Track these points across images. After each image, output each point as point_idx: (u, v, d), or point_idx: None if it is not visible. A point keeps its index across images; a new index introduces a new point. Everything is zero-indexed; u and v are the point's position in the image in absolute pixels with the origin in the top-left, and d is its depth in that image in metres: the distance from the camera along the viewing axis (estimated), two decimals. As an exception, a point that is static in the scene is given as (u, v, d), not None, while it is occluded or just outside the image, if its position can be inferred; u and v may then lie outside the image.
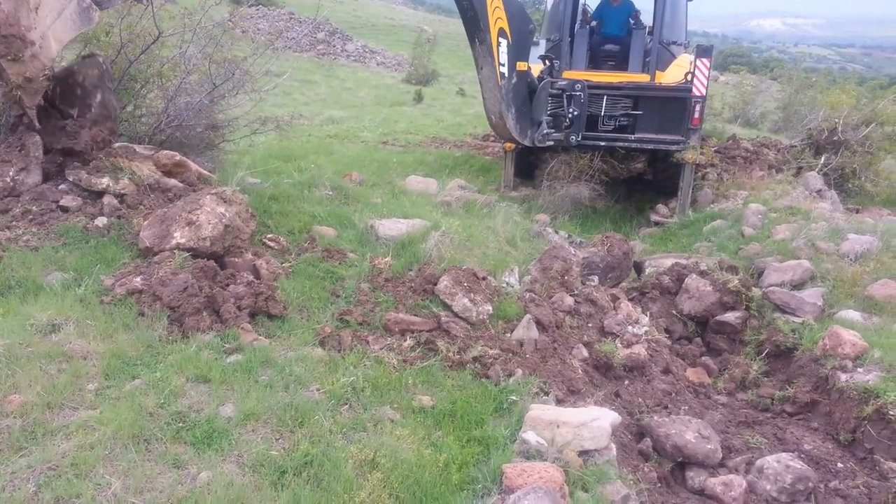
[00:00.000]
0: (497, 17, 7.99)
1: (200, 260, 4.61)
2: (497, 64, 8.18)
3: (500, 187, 10.52)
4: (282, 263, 5.26)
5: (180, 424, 3.27)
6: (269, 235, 5.62)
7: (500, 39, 8.13)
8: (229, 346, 4.03)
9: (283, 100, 17.13)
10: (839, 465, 4.57)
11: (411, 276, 5.38)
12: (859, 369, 5.00)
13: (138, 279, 4.39)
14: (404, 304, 5.03)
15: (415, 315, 4.92)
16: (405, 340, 4.63)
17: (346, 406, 3.78)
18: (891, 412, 4.52)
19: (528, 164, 10.83)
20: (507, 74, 8.40)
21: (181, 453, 3.09)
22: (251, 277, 4.82)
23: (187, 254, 4.62)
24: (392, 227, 6.12)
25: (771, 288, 6.26)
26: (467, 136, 15.12)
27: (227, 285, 4.56)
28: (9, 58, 4.76)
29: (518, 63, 8.65)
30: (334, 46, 30.67)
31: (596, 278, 6.80)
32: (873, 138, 10.62)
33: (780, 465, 4.30)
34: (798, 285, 6.31)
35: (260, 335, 4.31)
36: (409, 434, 3.61)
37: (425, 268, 5.43)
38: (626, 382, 5.23)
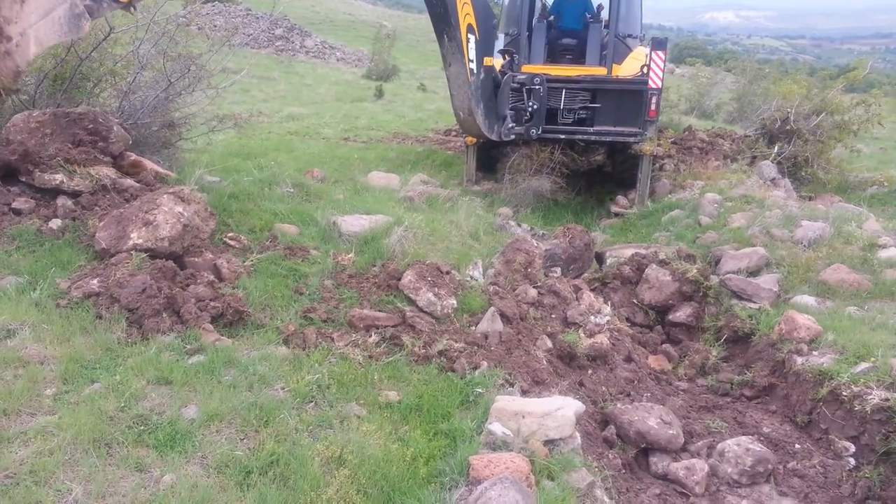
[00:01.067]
0: (466, 12, 8.01)
1: (159, 260, 4.53)
2: (467, 60, 8.21)
3: (463, 181, 10.55)
4: (243, 262, 5.20)
5: (142, 427, 3.22)
6: (230, 234, 5.55)
7: (469, 35, 8.14)
8: (191, 347, 3.98)
9: (241, 97, 16.90)
10: (797, 445, 4.71)
11: (375, 272, 5.38)
12: (814, 352, 5.16)
13: (95, 282, 4.30)
14: (369, 300, 5.02)
15: (379, 311, 4.91)
16: (370, 336, 4.63)
17: (312, 404, 3.76)
18: (844, 393, 4.67)
19: (490, 158, 10.88)
20: (475, 70, 8.43)
21: (143, 456, 3.05)
22: (212, 277, 4.75)
23: (145, 254, 4.53)
24: (355, 223, 6.10)
25: (728, 275, 6.41)
26: (429, 132, 15.11)
27: (188, 286, 4.49)
28: None
29: (485, 58, 8.70)
30: (293, 42, 30.35)
31: (559, 270, 6.88)
32: (824, 127, 10.92)
33: (740, 448, 4.41)
34: (754, 272, 6.47)
35: (222, 335, 4.27)
36: (375, 430, 3.61)
37: (389, 263, 5.42)
38: (590, 371, 5.31)
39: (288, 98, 18.96)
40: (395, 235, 5.80)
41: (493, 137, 9.33)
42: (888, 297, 5.84)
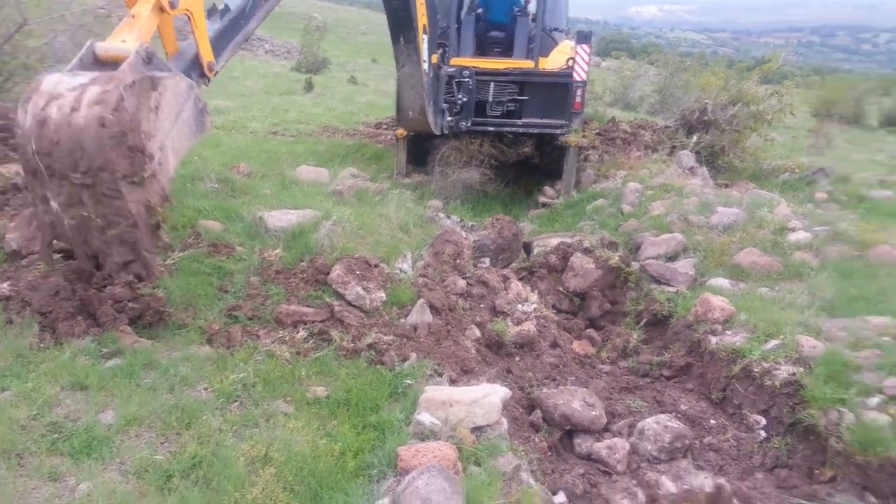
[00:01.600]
0: (421, 13, 8.00)
1: (74, 261, 4.38)
2: (422, 60, 8.21)
3: (393, 174, 10.55)
4: (164, 261, 5.08)
5: (56, 435, 3.13)
6: (151, 233, 5.40)
7: (424, 36, 8.15)
8: (108, 351, 3.87)
9: (164, 91, 16.35)
10: (712, 421, 4.94)
11: (303, 267, 5.34)
12: (728, 332, 5.41)
13: (5, 285, 4.13)
14: (296, 296, 4.99)
15: (307, 306, 4.89)
16: (298, 332, 4.60)
17: (237, 403, 3.72)
18: (755, 369, 4.92)
19: (420, 151, 10.91)
20: (428, 70, 8.45)
21: (58, 465, 2.96)
22: (131, 277, 4.62)
23: (59, 256, 4.37)
24: (282, 218, 6.03)
25: (648, 261, 6.64)
26: (359, 125, 15.02)
27: (105, 287, 4.36)
28: (132, 180, 3.81)
29: (433, 55, 8.73)
30: (218, 34, 29.51)
31: (487, 260, 6.98)
32: (740, 117, 11.39)
33: (659, 426, 4.60)
34: (672, 257, 6.73)
35: (142, 337, 4.17)
36: (303, 426, 3.61)
37: (317, 258, 5.39)
38: (518, 358, 5.42)
39: (214, 91, 18.32)
40: (323, 230, 5.77)
41: (437, 132, 9.39)
42: (796, 278, 6.17)
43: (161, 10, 4.20)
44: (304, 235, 5.70)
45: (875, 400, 4.39)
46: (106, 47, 3.95)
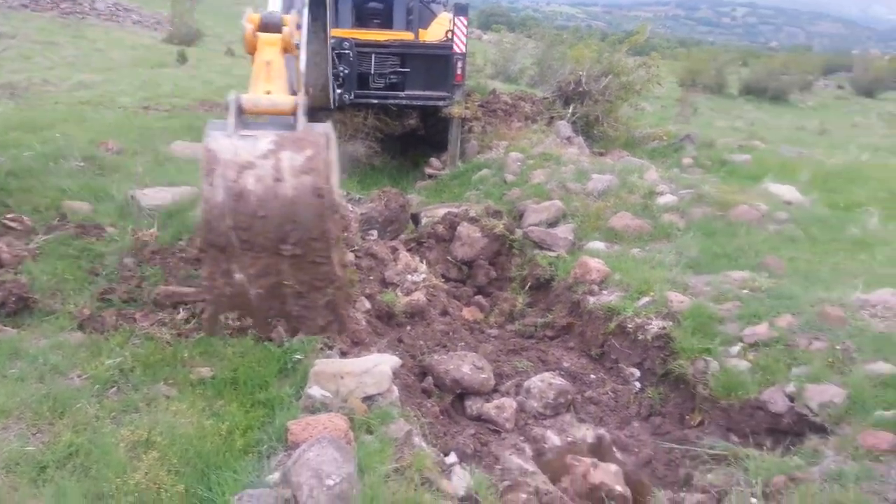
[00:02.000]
0: None
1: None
2: (328, 38, 7.95)
3: (276, 149, 10.26)
4: (27, 245, 4.75)
5: (-89, 435, 2.89)
6: (10, 215, 5.04)
7: (328, 13, 7.90)
8: (-34, 342, 3.60)
9: (22, 65, 15.05)
10: (592, 376, 5.23)
11: (182, 246, 5.14)
12: (604, 291, 5.72)
13: None
14: (175, 276, 4.80)
15: (188, 286, 4.71)
16: (178, 313, 4.43)
17: (114, 389, 3.56)
18: (629, 325, 5.24)
19: (302, 125, 10.66)
20: (331, 46, 8.22)
21: (-86, 466, 2.74)
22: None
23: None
24: (156, 196, 5.76)
25: (530, 227, 6.88)
26: (238, 98, 14.43)
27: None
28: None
29: (332, 30, 8.49)
30: (81, 4, 27.32)
31: (375, 232, 6.99)
32: (611, 88, 11.87)
33: (543, 384, 4.82)
34: (552, 223, 7.01)
35: (5, 326, 3.89)
36: (187, 408, 3.50)
37: (196, 236, 5.19)
38: (408, 328, 5.49)
39: (77, 65, 17.15)
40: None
41: (332, 106, 9.21)
42: (665, 238, 6.59)
43: (285, 51, 3.94)
44: (181, 213, 5.48)
45: (736, 348, 4.80)
46: (254, 101, 3.61)
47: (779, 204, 7.41)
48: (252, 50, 3.93)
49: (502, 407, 4.67)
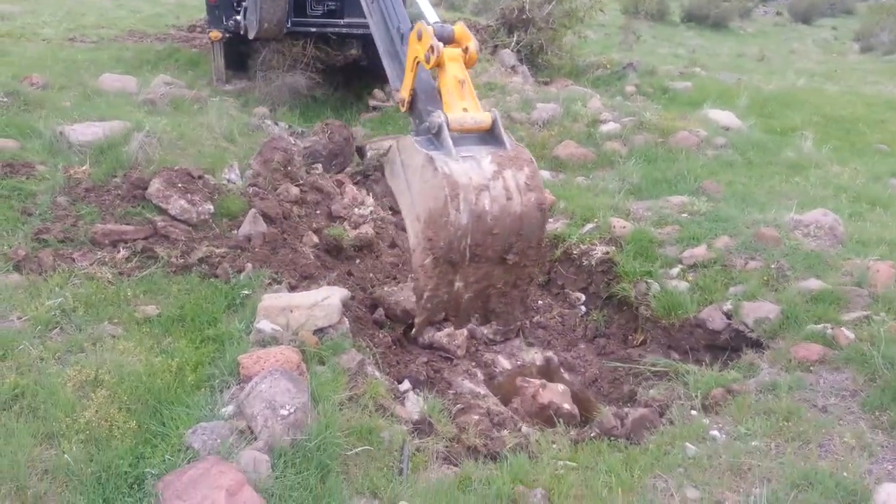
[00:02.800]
0: None
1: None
2: None
3: (212, 81, 9.85)
4: (-51, 186, 4.51)
5: None
6: (-73, 155, 4.75)
7: None
8: None
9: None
10: (539, 302, 5.35)
11: (117, 183, 4.96)
12: (551, 219, 5.78)
13: None
14: (112, 214, 4.65)
15: (126, 224, 4.58)
16: (118, 252, 4.32)
17: (57, 330, 3.48)
18: (574, 251, 5.36)
19: (239, 56, 10.21)
20: None
21: None
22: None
23: None
24: (86, 131, 5.51)
25: (477, 158, 6.85)
26: (170, 28, 13.75)
27: None
28: None
29: None
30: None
31: (320, 166, 6.86)
32: (555, 15, 11.72)
33: (492, 311, 4.90)
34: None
35: (-67, 273, 3.73)
36: (134, 346, 3.46)
37: (132, 172, 5.02)
38: (358, 261, 5.48)
39: (-12, -7, 15.97)
40: (135, 142, 5.35)
41: (280, 36, 8.87)
42: (608, 166, 6.68)
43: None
44: (113, 149, 5.27)
45: (676, 270, 4.97)
46: (459, 121, 3.77)
47: (718, 129, 7.56)
48: (437, 64, 3.95)
49: (453, 335, 4.73)
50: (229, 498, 2.43)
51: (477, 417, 3.87)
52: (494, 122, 3.88)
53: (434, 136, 3.71)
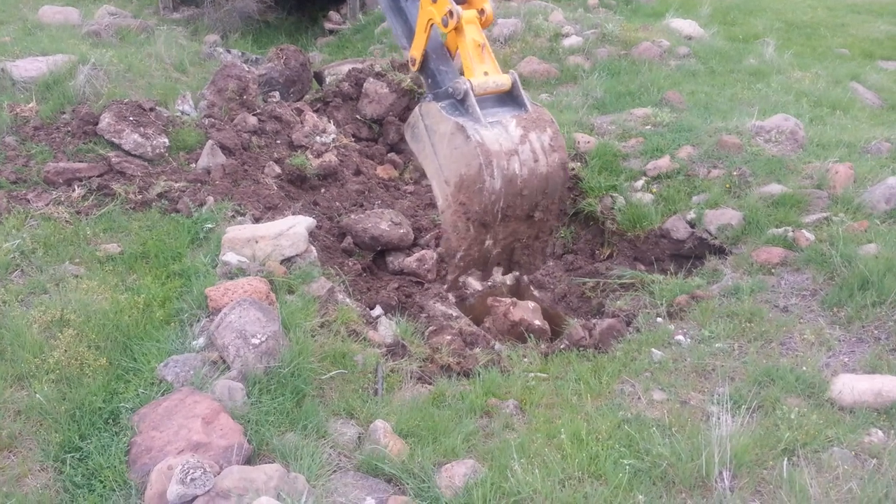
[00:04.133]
0: None
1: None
2: None
3: (159, 10, 9.43)
4: None
5: None
6: None
7: None
8: None
9: None
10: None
11: (66, 120, 4.77)
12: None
13: None
14: (64, 152, 4.49)
15: (79, 161, 4.43)
16: (74, 190, 4.20)
17: (17, 272, 3.41)
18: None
19: (184, -19, 9.77)
20: None
21: None
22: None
23: None
24: (29, 67, 5.27)
25: (439, 79, 6.70)
26: (108, -46, 12.97)
27: None
28: None
29: None
30: None
31: (277, 94, 6.66)
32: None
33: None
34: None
35: None
36: (98, 285, 3.41)
37: (80, 108, 4.83)
38: (323, 190, 5.41)
39: None
40: (81, 76, 5.13)
41: None
42: (571, 82, 6.59)
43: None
44: (59, 84, 5.05)
45: (640, 182, 4.99)
46: (482, 85, 3.82)
47: (680, 39, 7.48)
48: (454, 29, 3.95)
49: (423, 259, 4.75)
50: (205, 425, 2.46)
51: (449, 338, 3.94)
52: (514, 84, 3.96)
53: (458, 102, 3.77)
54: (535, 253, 4.52)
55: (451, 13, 3.85)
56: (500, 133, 3.76)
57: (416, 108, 3.95)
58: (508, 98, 4.00)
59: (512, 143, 3.79)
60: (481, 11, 4.04)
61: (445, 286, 4.06)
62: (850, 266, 3.60)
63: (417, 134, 3.97)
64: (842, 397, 2.85)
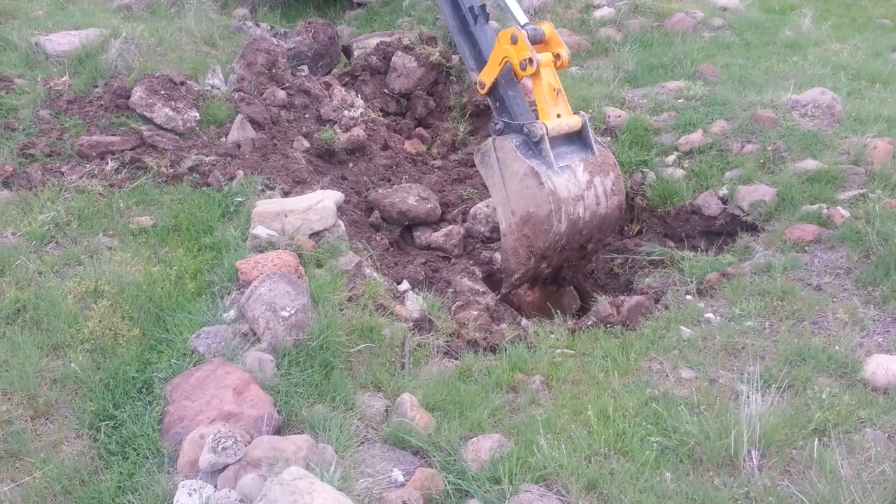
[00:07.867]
0: None
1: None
2: None
3: (188, -17, 9.42)
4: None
5: None
6: None
7: None
8: None
9: None
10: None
11: (99, 93, 4.83)
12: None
13: None
14: (97, 125, 4.56)
15: (112, 135, 4.49)
16: (107, 164, 4.26)
17: (52, 244, 3.48)
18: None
19: (213, -46, 9.74)
20: None
21: None
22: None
23: None
24: (63, 41, 5.33)
25: (464, 52, 6.62)
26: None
27: None
28: None
29: None
30: None
31: (306, 68, 6.65)
32: None
33: (489, 209, 4.89)
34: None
35: (-79, 190, 3.69)
36: (132, 257, 3.47)
37: (112, 81, 4.88)
38: (351, 164, 5.42)
39: None
40: (113, 50, 5.17)
41: None
42: (602, 54, 6.47)
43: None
44: (92, 58, 5.10)
45: (671, 157, 4.91)
46: (556, 128, 3.93)
47: (714, 10, 7.28)
48: (531, 72, 3.99)
49: (450, 234, 4.76)
50: (236, 396, 2.50)
51: (476, 313, 3.94)
52: (584, 126, 4.07)
53: (533, 144, 3.87)
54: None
55: (530, 60, 3.92)
56: (569, 179, 3.91)
57: (490, 140, 4.05)
58: (577, 137, 4.11)
59: (579, 189, 3.94)
60: (557, 56, 4.06)
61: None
62: (887, 244, 3.52)
63: (489, 162, 4.08)
64: (875, 378, 2.80)
